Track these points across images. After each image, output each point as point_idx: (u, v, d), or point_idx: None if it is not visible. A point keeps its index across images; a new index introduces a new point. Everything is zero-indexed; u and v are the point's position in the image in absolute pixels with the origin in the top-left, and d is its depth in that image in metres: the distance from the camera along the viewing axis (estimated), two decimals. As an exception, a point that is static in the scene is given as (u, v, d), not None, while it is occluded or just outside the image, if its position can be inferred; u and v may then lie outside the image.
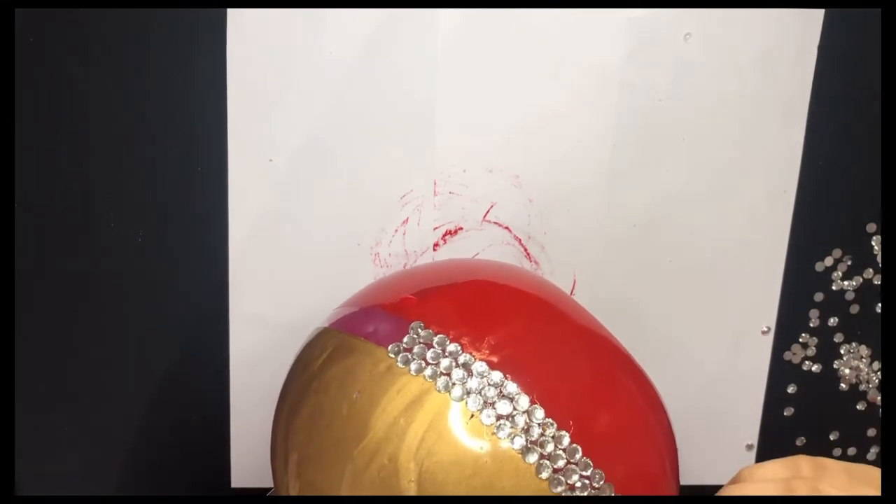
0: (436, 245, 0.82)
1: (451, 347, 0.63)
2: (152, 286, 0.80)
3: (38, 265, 0.79)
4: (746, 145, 0.81)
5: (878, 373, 0.88)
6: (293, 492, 0.65)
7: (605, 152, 0.80)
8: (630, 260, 0.83)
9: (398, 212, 0.81)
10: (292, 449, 0.66)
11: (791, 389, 0.87)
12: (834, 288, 0.85)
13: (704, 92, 0.79)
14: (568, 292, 0.82)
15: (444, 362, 0.63)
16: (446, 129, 0.79)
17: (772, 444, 0.88)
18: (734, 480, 0.67)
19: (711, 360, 0.86)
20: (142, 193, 0.78)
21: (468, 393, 0.62)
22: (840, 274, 0.85)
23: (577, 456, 0.61)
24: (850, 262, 0.85)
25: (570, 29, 0.77)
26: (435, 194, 0.80)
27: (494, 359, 0.63)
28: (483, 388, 0.62)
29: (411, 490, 0.60)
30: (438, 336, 0.64)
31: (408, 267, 0.82)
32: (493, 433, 0.61)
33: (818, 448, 0.88)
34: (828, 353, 0.87)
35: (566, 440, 0.61)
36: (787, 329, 0.86)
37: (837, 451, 0.89)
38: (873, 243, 0.85)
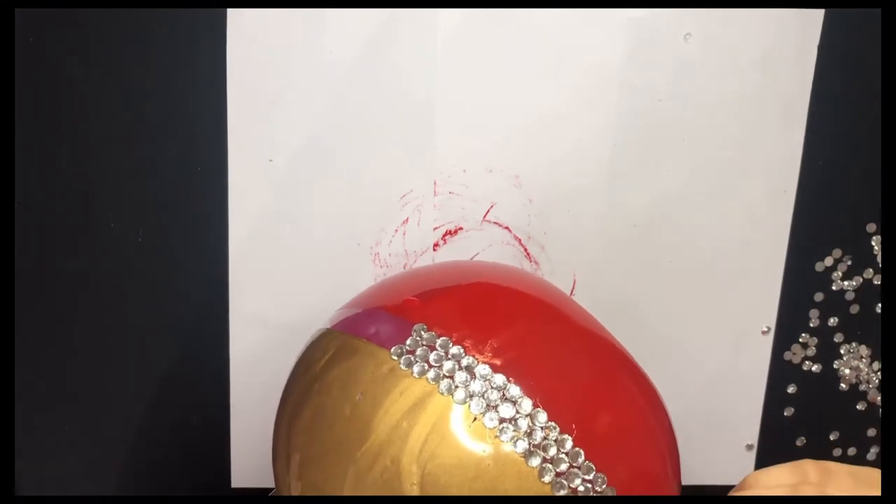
0: (436, 245, 0.82)
1: (454, 350, 0.63)
2: (152, 286, 0.80)
3: (38, 265, 0.79)
4: (746, 145, 0.81)
5: (878, 373, 0.88)
6: (295, 493, 0.65)
7: (605, 152, 0.80)
8: (630, 260, 0.83)
9: (398, 212, 0.80)
10: (294, 450, 0.66)
11: (791, 389, 0.87)
12: (834, 288, 0.85)
13: (704, 92, 0.79)
14: (568, 292, 0.82)
15: (447, 365, 0.63)
16: (446, 129, 0.79)
17: (772, 444, 0.88)
18: (740, 487, 0.66)
19: (711, 360, 0.86)
20: (142, 193, 0.78)
21: (471, 396, 0.62)
22: (840, 274, 0.85)
23: (580, 460, 0.61)
24: (850, 262, 0.85)
25: (570, 29, 0.77)
26: (435, 194, 0.80)
27: (497, 362, 0.63)
28: (486, 392, 0.62)
29: (414, 492, 0.60)
30: (441, 338, 0.64)
31: (408, 267, 0.81)
32: (496, 436, 0.61)
33: (818, 448, 0.89)
34: (828, 353, 0.87)
35: (569, 444, 0.61)
36: (787, 329, 0.86)
37: (837, 452, 0.89)
38: (873, 243, 0.85)
